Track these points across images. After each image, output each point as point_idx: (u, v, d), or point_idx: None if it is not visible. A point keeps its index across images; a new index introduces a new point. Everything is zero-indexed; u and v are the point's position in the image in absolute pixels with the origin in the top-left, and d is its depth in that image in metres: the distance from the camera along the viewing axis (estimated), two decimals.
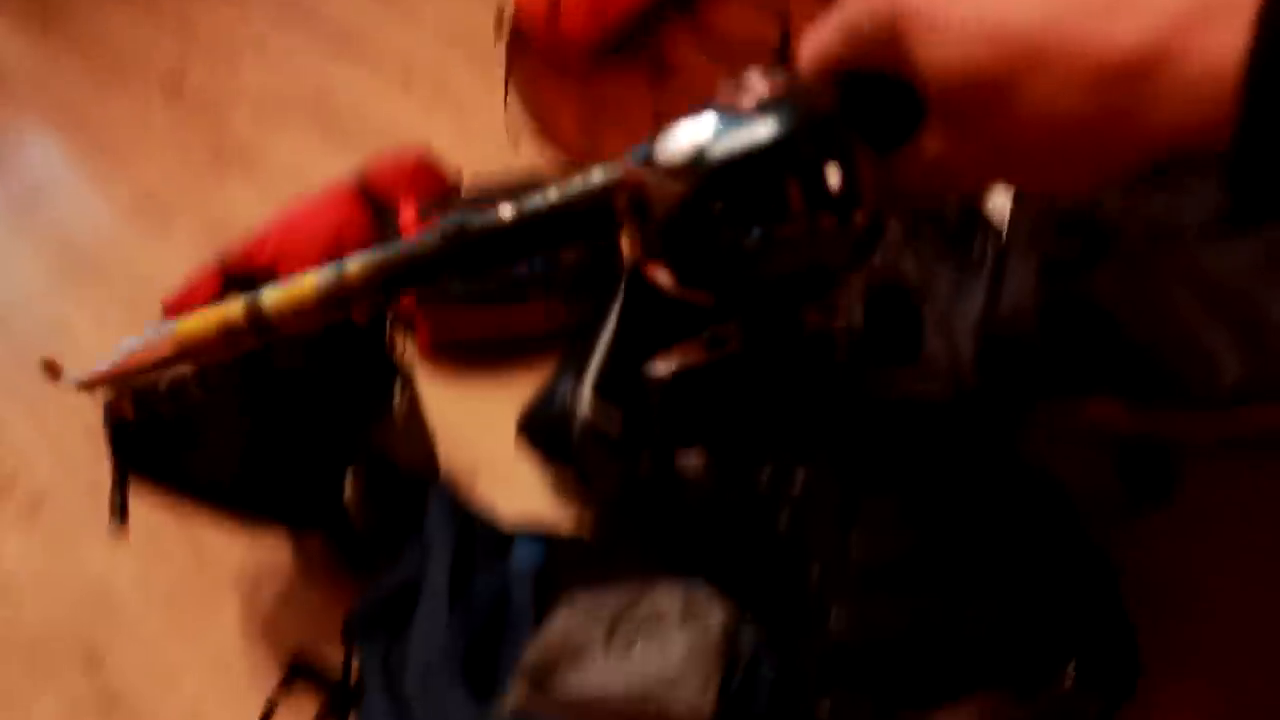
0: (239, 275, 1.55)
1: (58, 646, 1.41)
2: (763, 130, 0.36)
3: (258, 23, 2.42)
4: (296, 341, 1.18)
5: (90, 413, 1.68)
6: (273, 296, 0.43)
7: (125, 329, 1.79)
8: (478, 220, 0.41)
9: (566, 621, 1.05)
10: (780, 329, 0.36)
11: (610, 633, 1.05)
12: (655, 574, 1.13)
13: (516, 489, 1.46)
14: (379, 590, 1.21)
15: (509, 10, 1.18)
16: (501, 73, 2.10)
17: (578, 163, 1.06)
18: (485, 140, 2.03)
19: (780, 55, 1.08)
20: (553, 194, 0.41)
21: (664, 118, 1.11)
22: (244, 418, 1.09)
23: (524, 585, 1.18)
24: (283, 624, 1.39)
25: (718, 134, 0.36)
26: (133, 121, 2.24)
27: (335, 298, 0.42)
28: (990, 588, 0.98)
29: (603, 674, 1.01)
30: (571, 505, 1.41)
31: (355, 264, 0.41)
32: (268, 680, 1.37)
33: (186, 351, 0.44)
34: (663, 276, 0.37)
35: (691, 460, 1.39)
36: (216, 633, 1.40)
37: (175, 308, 1.53)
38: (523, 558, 1.28)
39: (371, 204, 1.63)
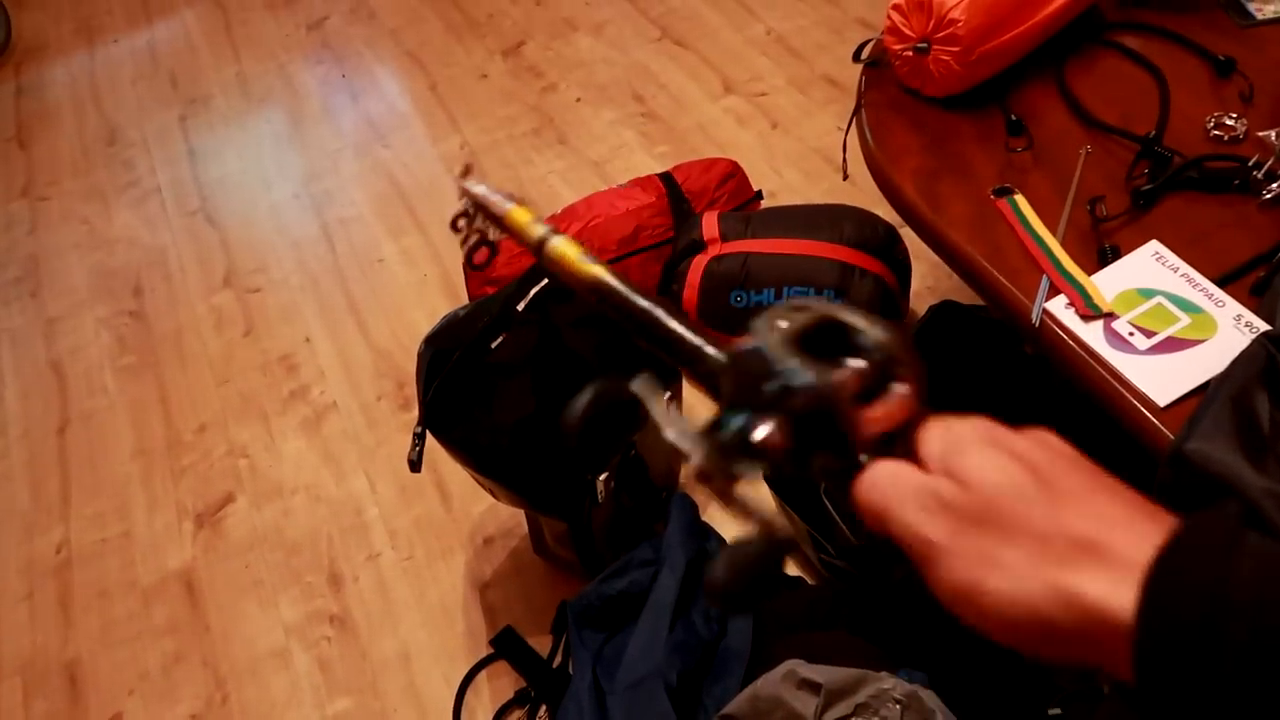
0: None
1: (310, 555, 1.54)
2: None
3: (601, 7, 2.52)
4: (587, 331, 1.22)
5: (383, 342, 1.83)
6: (560, 243, 0.54)
7: (430, 274, 1.93)
8: (628, 292, 0.50)
9: (781, 685, 1.02)
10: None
11: (825, 706, 1.01)
12: (878, 658, 1.07)
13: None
14: (604, 587, 1.23)
15: (874, 40, 1.14)
16: (822, 101, 2.07)
17: (910, 211, 1.01)
18: (789, 165, 2.01)
19: (1160, 119, 0.98)
20: (675, 324, 0.48)
21: (1013, 175, 1.05)
22: (532, 396, 1.13)
23: (743, 629, 1.15)
24: (504, 594, 1.45)
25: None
26: (471, 79, 2.39)
27: (591, 289, 0.51)
28: None
29: None
30: (796, 558, 1.37)
31: (613, 282, 0.51)
32: (476, 641, 1.44)
33: (504, 223, 0.58)
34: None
35: None
36: (443, 585, 1.48)
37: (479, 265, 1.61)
38: None
39: (675, 201, 1.64)
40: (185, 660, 1.45)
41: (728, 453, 0.41)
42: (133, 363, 1.89)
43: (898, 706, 1.01)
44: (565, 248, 0.53)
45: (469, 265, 0.59)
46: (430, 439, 1.20)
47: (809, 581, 1.33)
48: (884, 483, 0.40)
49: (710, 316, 1.47)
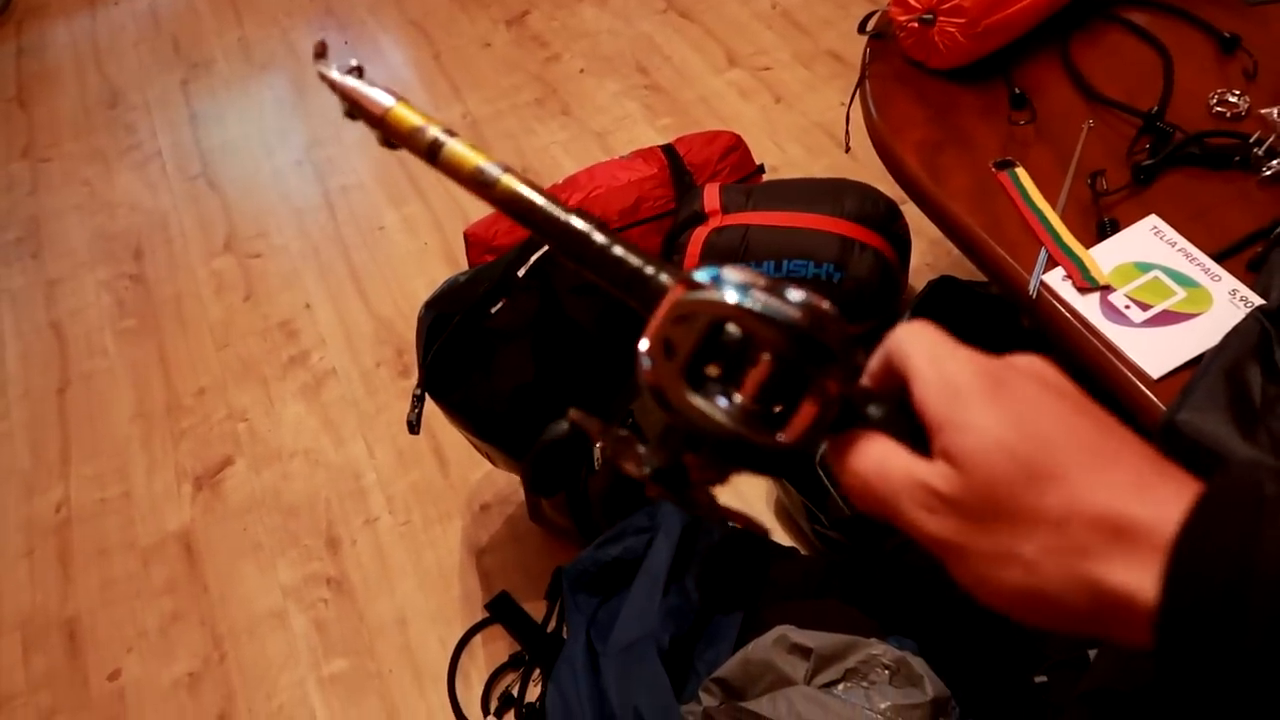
0: None
1: (308, 519, 1.55)
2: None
3: None
4: (587, 300, 1.23)
5: (383, 310, 1.83)
6: (454, 146, 0.48)
7: (430, 243, 1.93)
8: (583, 226, 0.44)
9: (772, 650, 1.03)
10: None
11: (815, 671, 1.02)
12: (869, 626, 1.09)
13: (741, 492, 1.45)
14: (600, 553, 1.24)
15: (880, 12, 1.14)
16: (826, 75, 2.06)
17: (912, 183, 1.01)
18: (792, 139, 2.01)
19: (1164, 94, 0.98)
20: (618, 249, 0.43)
21: (1015, 148, 1.05)
22: (531, 362, 1.14)
23: (736, 596, 1.17)
24: (501, 559, 1.46)
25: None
26: (475, 48, 2.38)
27: (480, 186, 0.47)
28: None
29: (799, 705, 0.98)
30: (789, 529, 1.38)
31: (507, 182, 0.46)
32: (472, 605, 1.45)
33: (384, 125, 0.51)
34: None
35: None
36: (439, 550, 1.49)
37: (477, 237, 1.61)
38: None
39: (677, 173, 1.64)
40: (183, 619, 1.46)
41: (674, 475, 0.40)
42: (133, 325, 1.90)
43: (886, 671, 1.02)
44: (464, 155, 0.47)
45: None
46: (429, 403, 1.21)
47: (802, 552, 1.34)
48: (872, 471, 0.38)
49: None
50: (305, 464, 1.62)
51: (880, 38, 1.17)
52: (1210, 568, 0.32)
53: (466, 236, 1.64)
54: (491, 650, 1.36)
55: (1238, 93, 1.01)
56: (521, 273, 1.19)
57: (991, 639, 1.08)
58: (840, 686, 1.02)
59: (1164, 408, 0.79)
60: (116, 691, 1.40)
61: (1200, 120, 1.00)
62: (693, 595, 1.16)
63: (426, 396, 1.17)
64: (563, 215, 0.45)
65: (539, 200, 0.46)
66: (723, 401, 0.38)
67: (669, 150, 1.68)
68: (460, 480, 1.55)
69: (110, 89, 2.47)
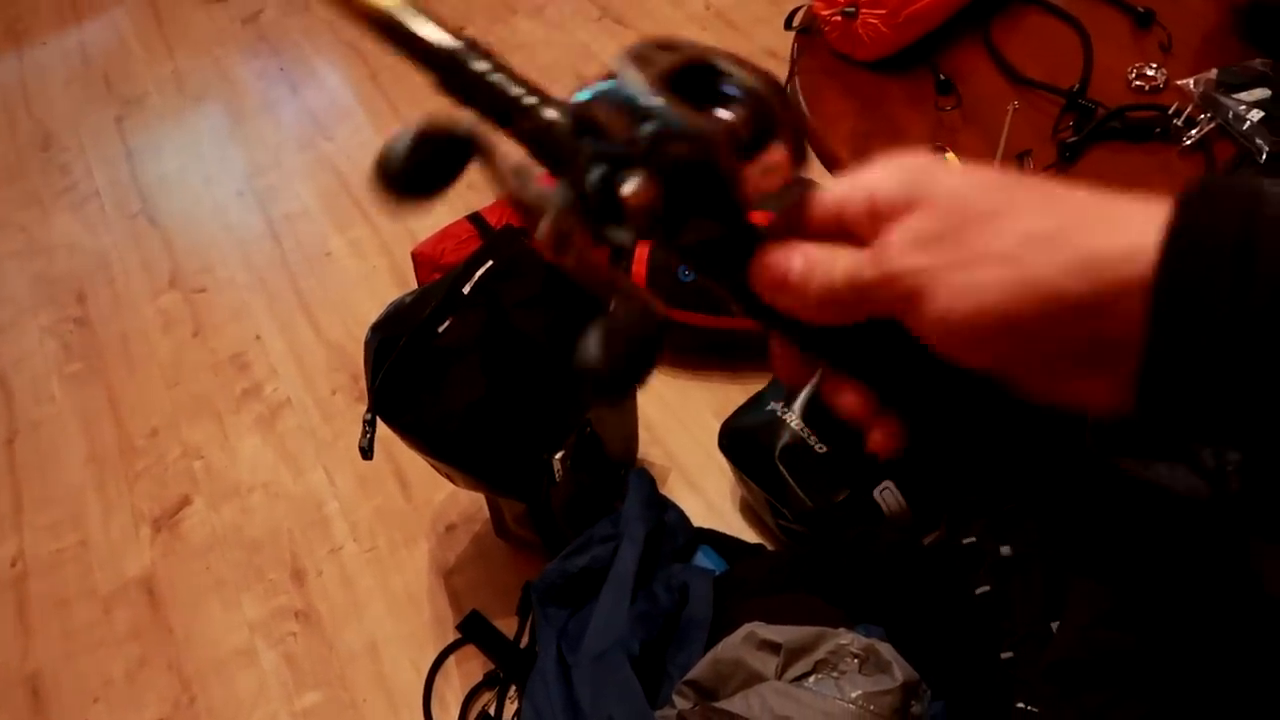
0: (491, 228, 1.61)
1: (271, 553, 1.54)
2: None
3: None
4: (536, 311, 1.22)
5: (334, 336, 1.82)
6: None
7: (379, 265, 1.91)
8: (469, 55, 0.38)
9: (741, 648, 1.03)
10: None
11: (785, 665, 1.03)
12: (836, 617, 1.09)
13: (705, 491, 1.46)
14: (566, 565, 1.24)
15: (805, 8, 1.15)
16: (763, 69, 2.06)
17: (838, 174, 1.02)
18: None
19: (1084, 72, 1.00)
20: (516, 90, 0.38)
21: (944, 134, 1.07)
22: (482, 378, 1.13)
23: (703, 596, 1.17)
24: (469, 579, 1.45)
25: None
26: (411, 68, 2.36)
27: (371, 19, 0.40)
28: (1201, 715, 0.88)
29: (772, 700, 0.98)
30: (754, 525, 1.39)
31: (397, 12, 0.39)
32: (443, 627, 1.44)
33: None
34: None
35: (889, 495, 1.34)
36: (407, 574, 1.48)
37: (425, 256, 1.60)
38: (706, 566, 1.28)
39: None
40: (150, 665, 1.44)
41: (589, 212, 0.34)
42: (80, 370, 1.86)
43: (855, 660, 1.03)
44: None
45: None
46: (383, 427, 1.20)
47: (768, 548, 1.34)
48: (797, 269, 0.34)
49: (660, 289, 1.47)
50: (265, 497, 1.60)
51: (807, 33, 1.18)
52: (1214, 216, 0.29)
53: (414, 256, 1.63)
54: (466, 670, 1.35)
55: (1155, 66, 1.03)
56: (467, 289, 1.19)
57: (956, 620, 1.09)
58: (811, 679, 1.03)
59: None
60: None
61: (1121, 95, 1.02)
62: (662, 600, 1.16)
63: (378, 420, 1.16)
64: (433, 35, 0.39)
65: (414, 29, 0.39)
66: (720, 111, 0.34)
67: None
68: (423, 502, 1.54)
69: (42, 130, 2.43)
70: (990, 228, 0.32)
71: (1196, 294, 0.28)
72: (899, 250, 0.33)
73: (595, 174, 0.34)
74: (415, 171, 0.38)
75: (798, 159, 0.36)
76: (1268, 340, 0.27)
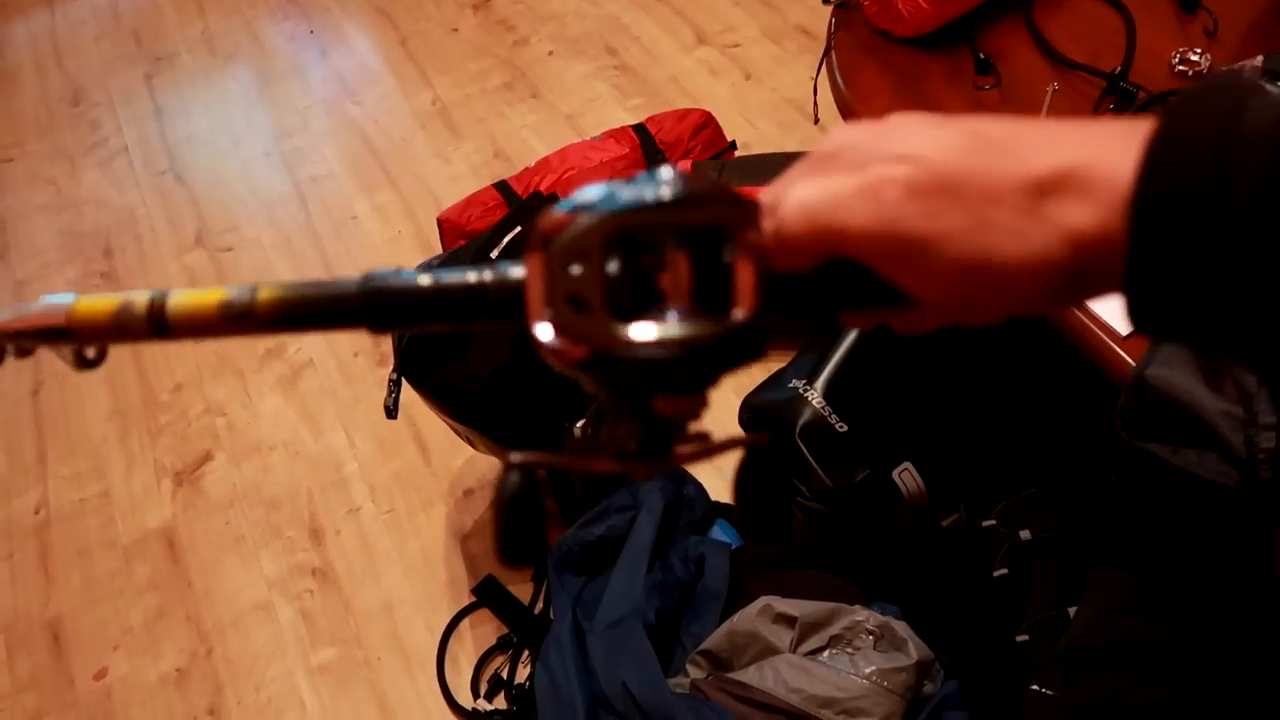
0: (517, 196, 1.60)
1: (290, 511, 1.55)
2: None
3: None
4: None
5: None
6: (179, 299, 0.41)
7: (404, 230, 1.92)
8: (395, 281, 0.38)
9: (757, 620, 1.04)
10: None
11: (800, 639, 1.03)
12: (852, 594, 1.10)
13: (723, 467, 1.45)
14: (584, 533, 1.24)
15: None
16: (795, 51, 2.06)
17: None
18: (763, 116, 2.00)
19: (1126, 55, 0.99)
20: (471, 276, 0.38)
21: (980, 112, 1.05)
22: (508, 344, 1.13)
23: (719, 569, 1.17)
24: (485, 544, 1.45)
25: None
26: (442, 33, 2.36)
27: (238, 320, 0.40)
28: (1218, 704, 0.88)
29: (785, 673, 0.99)
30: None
31: (268, 292, 0.38)
32: (458, 590, 1.45)
33: (77, 329, 0.41)
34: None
35: (908, 477, 1.34)
36: (424, 537, 1.49)
37: (450, 221, 1.61)
38: (722, 539, 1.28)
39: (649, 152, 1.64)
40: (168, 615, 1.46)
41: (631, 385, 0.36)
42: None
43: (870, 637, 1.03)
44: (197, 297, 0.40)
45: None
46: (409, 391, 1.21)
47: None
48: (815, 197, 0.34)
49: None
50: (285, 456, 1.61)
51: (845, 7, 1.17)
52: (1190, 131, 0.29)
53: (440, 222, 1.64)
54: (479, 634, 1.36)
55: (1199, 51, 1.01)
56: (495, 254, 1.19)
57: (972, 601, 1.09)
58: (825, 653, 1.03)
59: (1133, 364, 0.80)
60: (103, 690, 1.40)
61: (1163, 80, 1.00)
62: (678, 570, 1.17)
63: (403, 381, 1.17)
64: (352, 286, 0.39)
65: (318, 288, 0.39)
66: (668, 317, 0.34)
67: (640, 129, 1.68)
68: (442, 466, 1.55)
69: (72, 86, 2.44)
70: (1004, 166, 0.32)
71: (1172, 207, 0.29)
72: (894, 206, 0.33)
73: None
74: (522, 543, 0.38)
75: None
76: (1244, 251, 0.27)
